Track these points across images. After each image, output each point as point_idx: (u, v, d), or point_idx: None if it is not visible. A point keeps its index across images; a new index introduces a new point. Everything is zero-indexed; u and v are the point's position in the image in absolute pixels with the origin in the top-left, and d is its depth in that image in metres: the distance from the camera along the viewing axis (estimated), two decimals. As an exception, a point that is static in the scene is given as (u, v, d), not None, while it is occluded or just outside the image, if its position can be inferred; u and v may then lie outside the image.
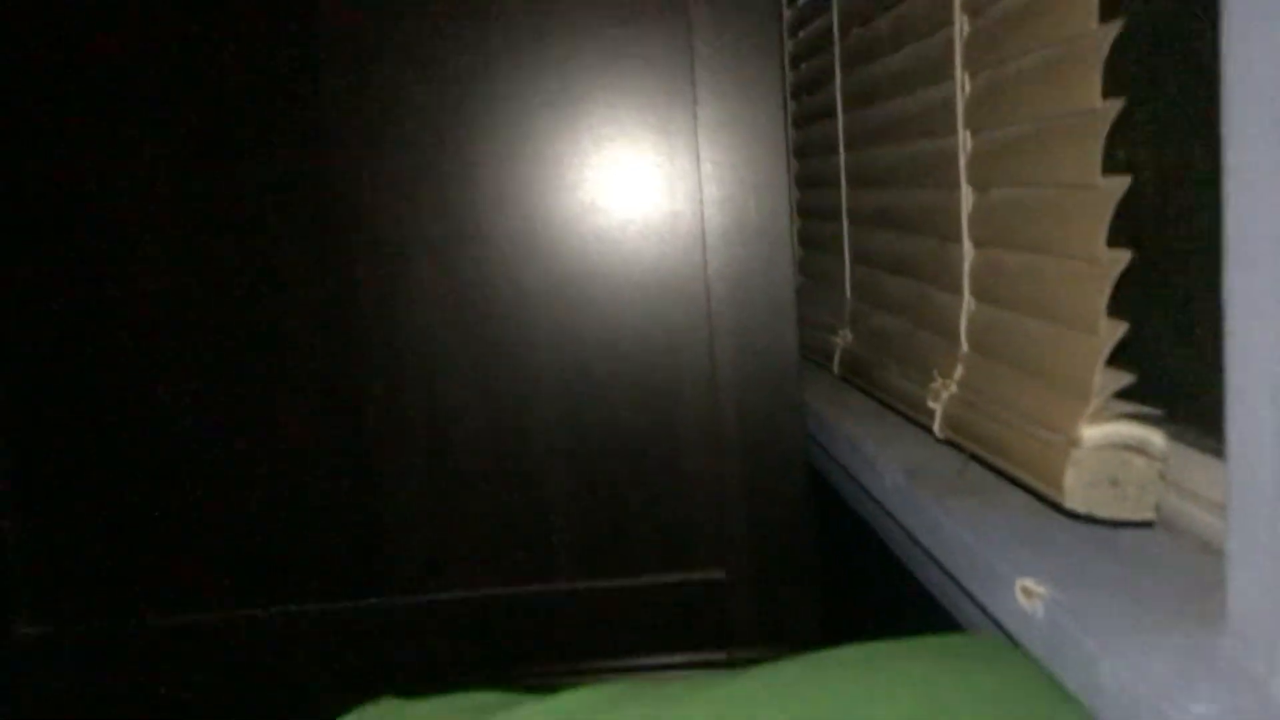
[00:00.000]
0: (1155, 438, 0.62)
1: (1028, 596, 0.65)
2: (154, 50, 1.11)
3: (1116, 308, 0.63)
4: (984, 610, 0.75)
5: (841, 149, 1.29)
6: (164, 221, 1.13)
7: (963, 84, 0.87)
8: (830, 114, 1.35)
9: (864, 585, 1.24)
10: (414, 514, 1.16)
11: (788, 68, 1.64)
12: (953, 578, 0.81)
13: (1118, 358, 0.64)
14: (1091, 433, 0.62)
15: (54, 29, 1.11)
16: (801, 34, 1.55)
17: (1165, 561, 0.67)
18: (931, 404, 0.86)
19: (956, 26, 0.87)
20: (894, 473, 0.93)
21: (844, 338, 1.21)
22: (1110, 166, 0.64)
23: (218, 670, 1.18)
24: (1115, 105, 0.62)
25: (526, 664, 1.18)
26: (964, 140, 0.87)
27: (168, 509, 1.16)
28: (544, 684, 1.11)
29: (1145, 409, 0.63)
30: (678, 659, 1.18)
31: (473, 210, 1.13)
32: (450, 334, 1.14)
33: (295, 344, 1.14)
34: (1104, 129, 0.62)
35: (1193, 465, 0.70)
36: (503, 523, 1.17)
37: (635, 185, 1.13)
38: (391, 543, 1.17)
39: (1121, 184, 0.61)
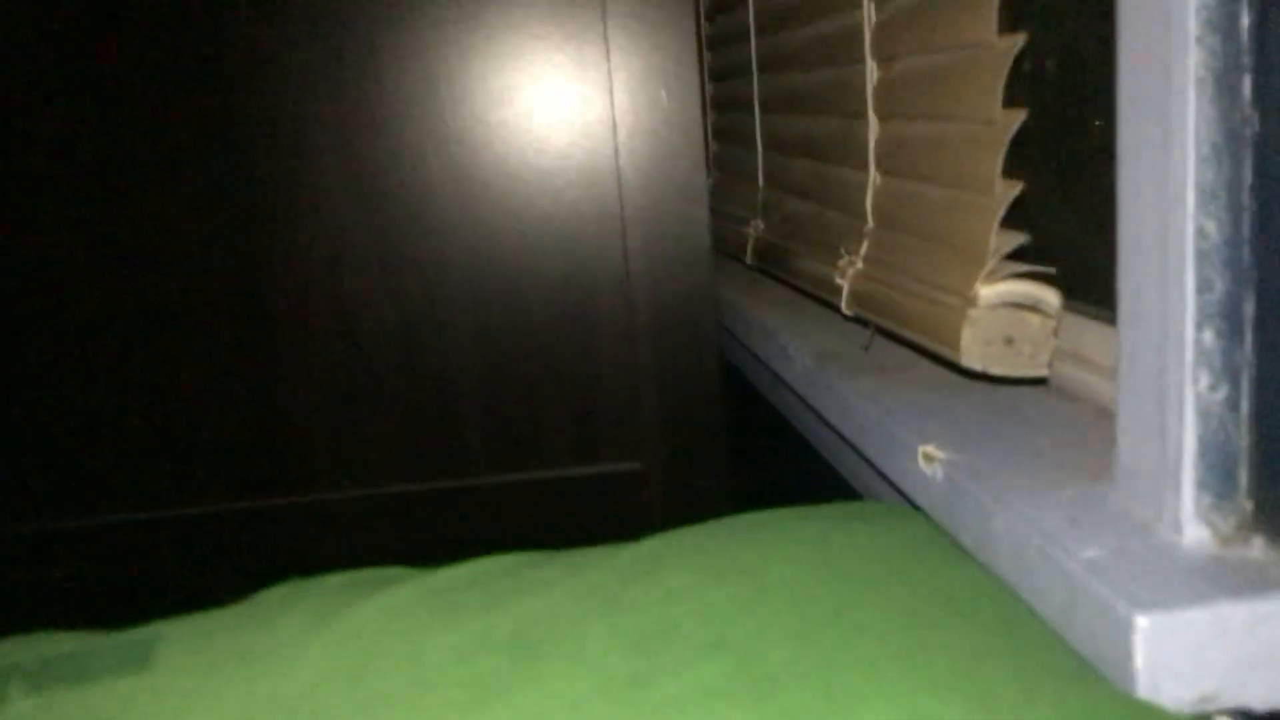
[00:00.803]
0: (1048, 295, 0.63)
1: (928, 461, 0.66)
2: None
3: (1011, 173, 0.63)
4: (890, 482, 0.76)
5: (753, 36, 1.28)
6: (57, 109, 1.08)
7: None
8: (741, 1, 1.32)
9: (778, 472, 1.26)
10: (322, 411, 1.14)
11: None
12: (861, 454, 0.82)
13: (1012, 222, 0.65)
14: (987, 292, 0.62)
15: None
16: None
17: (1061, 424, 0.68)
18: (839, 281, 0.86)
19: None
20: (803, 356, 0.93)
21: (756, 227, 1.21)
22: (1013, 30, 0.63)
23: (122, 572, 1.16)
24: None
25: (440, 561, 1.18)
26: (868, 13, 0.86)
27: (69, 409, 1.13)
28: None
29: (1039, 268, 0.64)
30: (594, 552, 1.19)
31: (379, 103, 1.10)
32: (356, 226, 1.12)
33: (196, 237, 1.11)
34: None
35: (1088, 333, 0.71)
36: (413, 418, 1.15)
37: (544, 77, 1.11)
38: (299, 440, 1.15)
39: (1014, 44, 0.61)
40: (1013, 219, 0.64)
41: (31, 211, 1.09)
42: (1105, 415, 0.68)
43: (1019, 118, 0.60)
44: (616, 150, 1.12)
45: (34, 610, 1.16)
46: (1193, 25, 0.48)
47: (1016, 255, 0.65)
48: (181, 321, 1.12)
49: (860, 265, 0.85)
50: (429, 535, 1.17)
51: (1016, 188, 0.61)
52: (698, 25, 1.23)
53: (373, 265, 1.12)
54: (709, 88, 1.62)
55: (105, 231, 1.10)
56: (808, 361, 0.92)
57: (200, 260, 1.11)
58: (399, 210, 1.11)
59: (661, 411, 1.16)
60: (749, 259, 1.22)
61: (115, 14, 1.07)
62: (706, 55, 1.61)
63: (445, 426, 1.15)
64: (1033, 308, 0.62)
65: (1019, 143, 0.62)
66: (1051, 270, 0.63)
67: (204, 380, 1.13)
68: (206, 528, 1.16)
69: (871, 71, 0.85)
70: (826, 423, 0.90)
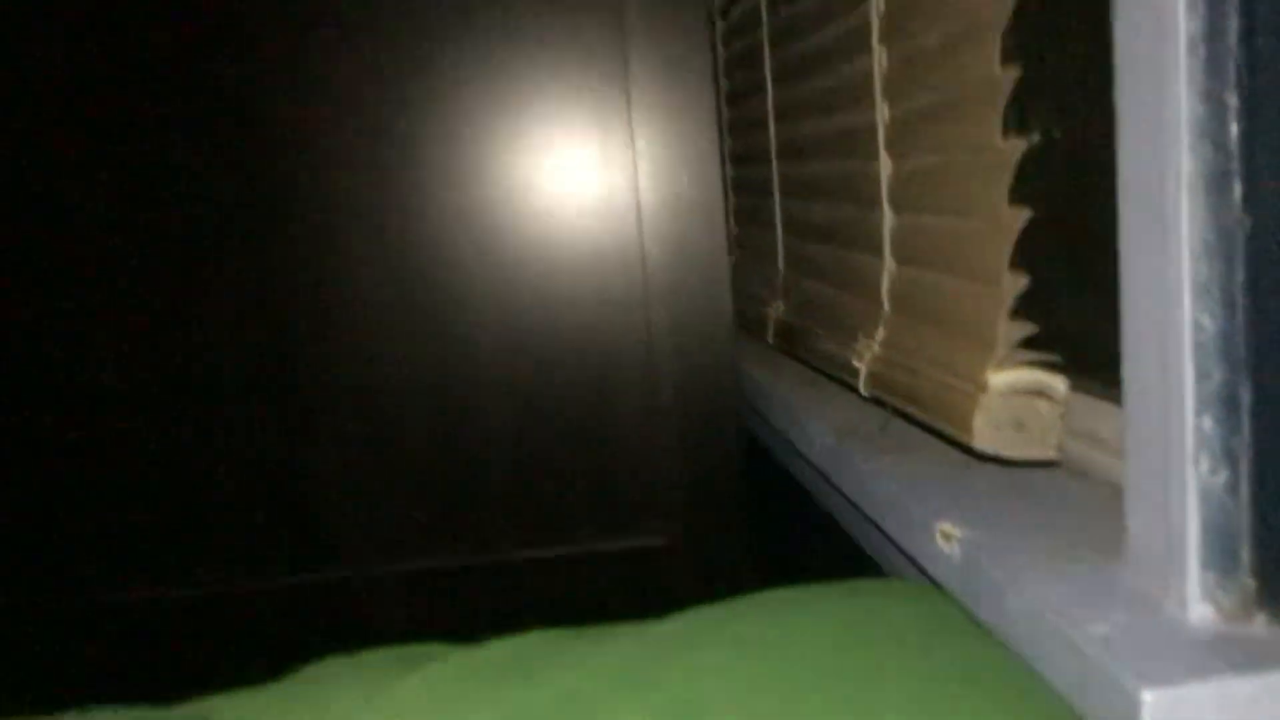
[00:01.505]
0: (1056, 383, 0.66)
1: (946, 539, 0.69)
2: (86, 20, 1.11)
3: (1025, 264, 0.67)
4: (908, 557, 0.78)
5: (771, 124, 1.33)
6: (98, 191, 1.13)
7: (880, 59, 0.90)
8: (760, 90, 1.38)
9: (799, 546, 1.28)
10: (349, 486, 1.18)
11: (719, 45, 1.67)
12: (880, 529, 0.85)
13: (1025, 311, 0.68)
14: (997, 379, 0.66)
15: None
16: (731, 13, 1.58)
17: (1072, 501, 0.71)
18: (857, 364, 0.90)
19: (873, 4, 0.91)
20: (824, 434, 0.96)
21: (777, 308, 1.24)
22: (1022, 132, 0.67)
23: (148, 650, 1.18)
24: (1011, 74, 0.65)
25: (468, 637, 1.19)
26: (882, 111, 0.90)
27: (95, 484, 1.16)
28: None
29: (1047, 356, 0.67)
30: (619, 627, 1.21)
31: (410, 185, 1.15)
32: (386, 305, 1.16)
33: (228, 312, 1.15)
34: (1003, 97, 0.65)
35: (1096, 412, 0.74)
36: (440, 494, 1.18)
37: (571, 162, 1.16)
38: (327, 516, 1.18)
39: (1019, 146, 0.64)
40: (1026, 300, 0.67)
41: (64, 288, 1.13)
42: (1115, 493, 0.70)
43: (1023, 216, 0.64)
44: (640, 232, 1.17)
45: (68, 687, 1.18)
46: (1186, 135, 0.52)
47: (1029, 337, 0.68)
48: (212, 396, 1.16)
49: (877, 349, 0.88)
50: (456, 610, 1.20)
51: (1023, 281, 0.65)
52: (719, 111, 1.28)
53: (402, 343, 1.16)
54: (730, 171, 1.67)
55: (136, 306, 1.14)
56: (829, 439, 0.95)
57: (232, 335, 1.15)
58: (429, 289, 1.16)
59: (685, 486, 1.19)
60: (770, 339, 1.26)
61: (149, 93, 1.12)
62: (727, 140, 1.66)
63: (472, 502, 1.18)
64: (1041, 394, 0.65)
65: (1034, 227, 0.65)
66: (1058, 359, 0.67)
67: (234, 456, 1.17)
68: (234, 604, 1.18)
69: (885, 164, 0.89)
70: (847, 498, 0.93)
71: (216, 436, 1.16)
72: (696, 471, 1.18)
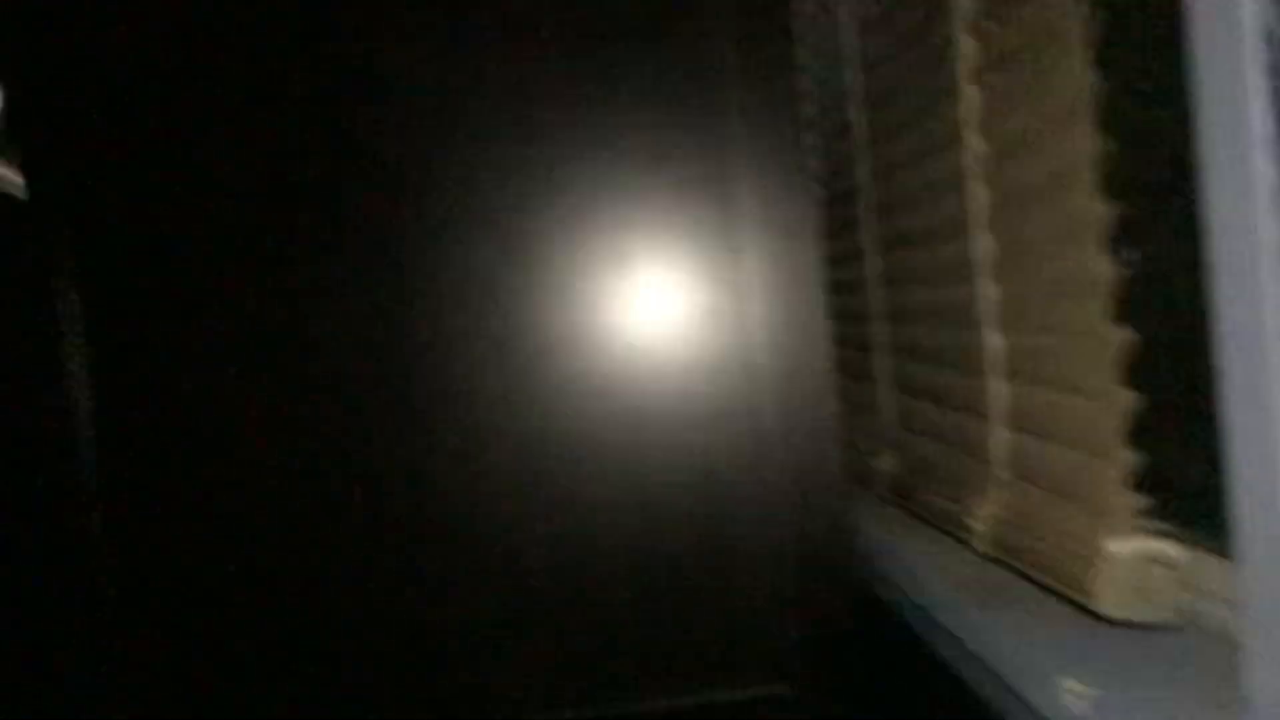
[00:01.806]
0: (1171, 549, 0.72)
1: (1073, 696, 0.74)
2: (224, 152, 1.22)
3: (1137, 429, 0.74)
4: (1032, 711, 0.83)
5: (874, 289, 1.41)
6: (235, 334, 1.21)
7: (983, 243, 0.99)
8: (859, 258, 1.47)
9: (918, 695, 1.32)
10: (472, 639, 1.23)
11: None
12: (1003, 682, 0.89)
13: (1141, 475, 0.74)
14: (1115, 548, 0.72)
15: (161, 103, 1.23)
16: (833, 180, 1.68)
17: (1190, 657, 0.76)
18: (973, 523, 0.96)
19: (966, 191, 1.00)
20: (945, 588, 1.02)
21: (887, 462, 1.31)
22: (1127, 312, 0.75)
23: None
24: (1115, 269, 0.73)
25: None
26: (986, 290, 0.98)
27: (235, 633, 1.22)
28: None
29: (1162, 525, 0.73)
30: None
31: (534, 358, 1.24)
32: (509, 462, 1.23)
33: (359, 454, 1.22)
34: (1107, 288, 0.73)
35: (1213, 568, 0.79)
36: (563, 645, 1.24)
37: (686, 328, 1.25)
38: (451, 667, 1.24)
39: (1126, 336, 0.72)
40: (1142, 466, 0.73)
41: (198, 429, 1.22)
42: (1233, 647, 0.75)
43: (1133, 399, 0.71)
44: (753, 392, 1.24)
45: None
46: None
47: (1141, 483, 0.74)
48: (339, 543, 1.23)
49: (992, 510, 0.94)
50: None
51: (1137, 457, 0.71)
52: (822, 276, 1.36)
53: (526, 497, 1.23)
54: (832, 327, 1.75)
55: (266, 444, 1.22)
56: (951, 593, 1.01)
57: (362, 479, 1.23)
58: (553, 447, 1.23)
59: (804, 635, 1.23)
60: (881, 491, 1.33)
61: (293, 209, 1.22)
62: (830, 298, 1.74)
63: (595, 653, 1.24)
64: (1158, 560, 0.71)
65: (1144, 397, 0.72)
66: (1174, 527, 0.73)
67: (361, 604, 1.23)
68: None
69: (994, 339, 0.97)
70: (968, 651, 0.98)
71: (344, 583, 1.23)
72: (813, 621, 1.23)
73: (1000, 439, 0.96)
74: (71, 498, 1.22)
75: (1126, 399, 0.72)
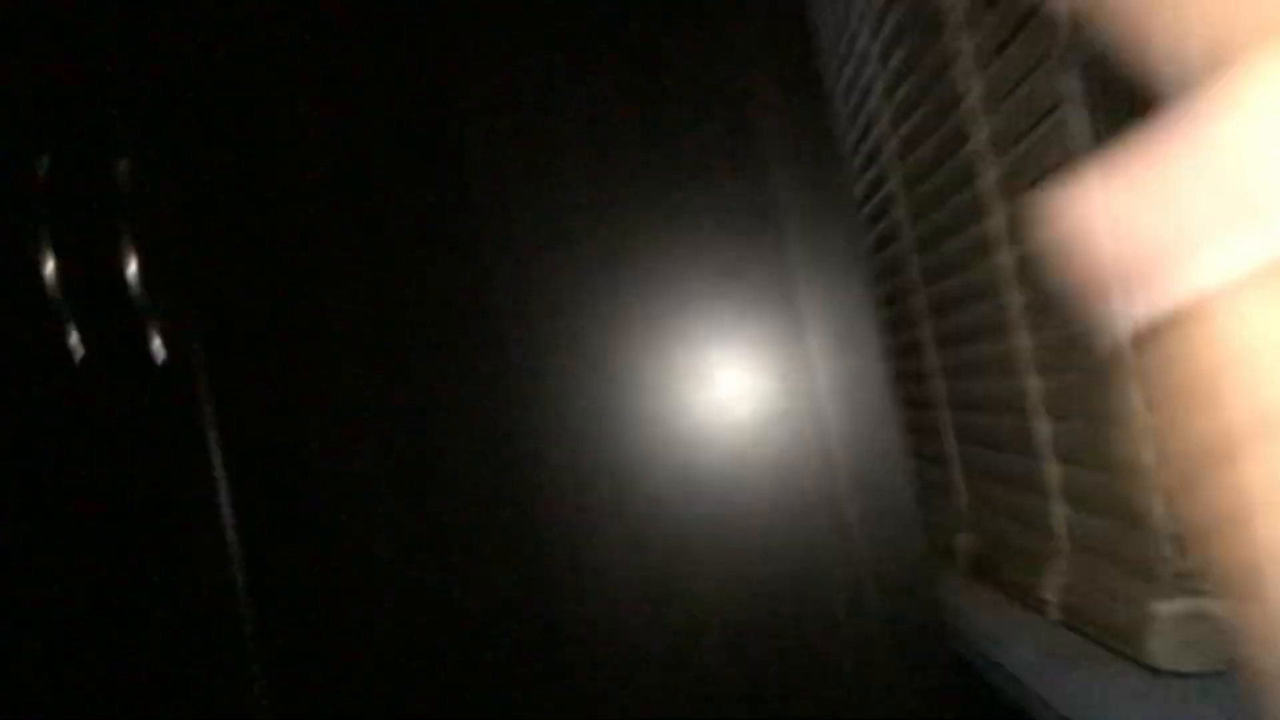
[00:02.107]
0: (1213, 605, 0.82)
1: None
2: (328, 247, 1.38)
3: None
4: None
5: (937, 381, 1.53)
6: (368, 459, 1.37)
7: (1024, 340, 1.11)
8: (919, 350, 1.59)
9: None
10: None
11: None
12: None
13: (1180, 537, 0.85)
14: (1162, 608, 0.82)
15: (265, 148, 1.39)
16: (890, 292, 1.82)
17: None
18: (1045, 595, 1.06)
19: (1008, 295, 1.12)
20: (1031, 652, 1.12)
21: (965, 540, 1.41)
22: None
23: None
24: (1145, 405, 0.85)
25: None
26: (1036, 382, 1.10)
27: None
28: None
29: (1206, 586, 0.83)
30: None
31: (635, 466, 1.36)
32: (619, 568, 1.36)
33: (475, 579, 1.35)
34: (1134, 378, 0.85)
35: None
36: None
37: (753, 417, 1.36)
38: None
39: (1153, 425, 0.84)
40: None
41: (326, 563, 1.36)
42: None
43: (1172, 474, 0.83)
44: (833, 478, 1.36)
45: None
46: None
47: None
48: (465, 652, 1.35)
49: (1060, 580, 1.05)
50: None
51: (1177, 524, 0.82)
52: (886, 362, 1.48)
53: (634, 588, 1.35)
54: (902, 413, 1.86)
55: (397, 562, 1.36)
56: (1036, 657, 1.11)
57: (485, 592, 1.34)
58: (656, 541, 1.34)
59: (899, 712, 1.33)
60: (961, 567, 1.43)
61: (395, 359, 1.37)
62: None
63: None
64: (1203, 617, 0.82)
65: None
66: (1213, 587, 0.83)
67: (489, 712, 1.35)
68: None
69: (1045, 426, 1.08)
70: (1054, 709, 1.07)
71: (475, 697, 1.35)
72: (908, 695, 1.32)
73: (1059, 514, 1.07)
74: (231, 648, 1.37)
75: (1164, 474, 0.84)
